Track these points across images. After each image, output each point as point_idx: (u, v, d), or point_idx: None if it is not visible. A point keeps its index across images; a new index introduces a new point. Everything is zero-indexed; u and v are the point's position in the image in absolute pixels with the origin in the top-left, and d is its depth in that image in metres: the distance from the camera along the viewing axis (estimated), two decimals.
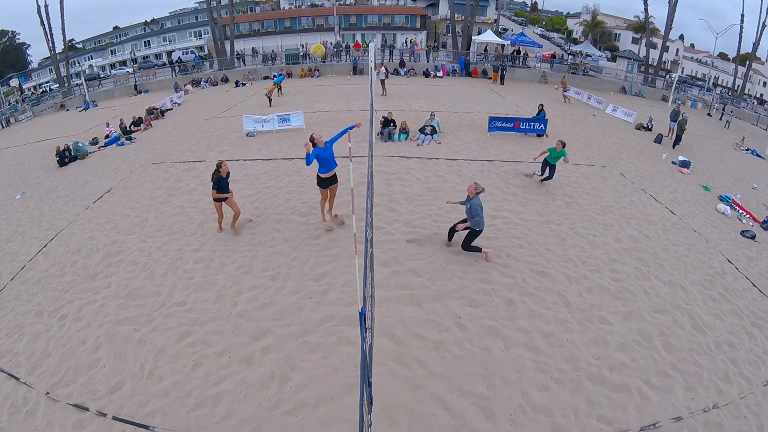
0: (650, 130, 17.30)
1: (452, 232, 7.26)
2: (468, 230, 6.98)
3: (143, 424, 4.57)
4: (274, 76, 24.95)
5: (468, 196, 6.82)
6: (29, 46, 49.21)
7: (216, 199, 7.83)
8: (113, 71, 41.73)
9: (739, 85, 33.02)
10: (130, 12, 75.76)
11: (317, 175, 7.42)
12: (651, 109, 22.25)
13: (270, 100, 19.93)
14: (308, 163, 6.94)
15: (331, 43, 36.08)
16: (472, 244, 7.02)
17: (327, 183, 7.43)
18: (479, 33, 33.53)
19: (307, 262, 7.10)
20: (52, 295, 7.03)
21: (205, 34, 44.29)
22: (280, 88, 22.03)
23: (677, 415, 4.77)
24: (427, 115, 14.75)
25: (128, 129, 17.22)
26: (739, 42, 32.48)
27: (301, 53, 33.15)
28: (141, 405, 4.78)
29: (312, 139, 7.08)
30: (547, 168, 10.20)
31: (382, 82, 21.33)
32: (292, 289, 6.49)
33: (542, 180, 10.40)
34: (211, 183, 7.69)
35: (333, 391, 4.78)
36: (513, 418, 4.55)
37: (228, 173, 7.74)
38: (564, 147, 9.84)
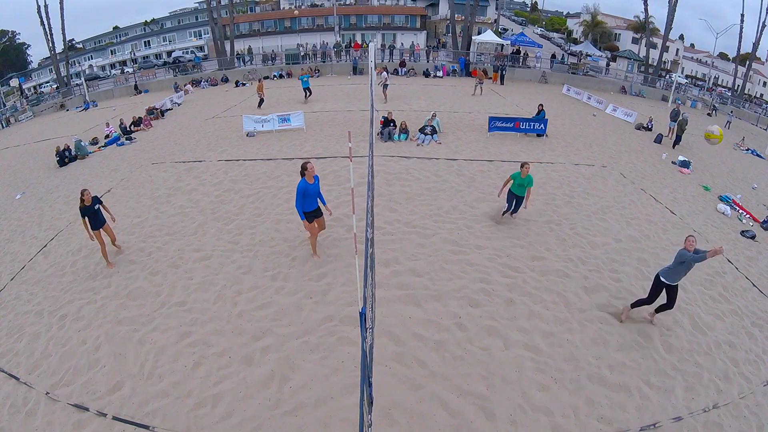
0: (650, 130, 17.29)
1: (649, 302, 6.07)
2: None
3: (143, 424, 4.57)
4: (274, 77, 24.81)
5: (687, 250, 5.58)
6: (29, 46, 49.12)
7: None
8: (113, 71, 41.66)
9: (739, 86, 33.00)
10: (130, 12, 75.54)
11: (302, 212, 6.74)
12: (651, 109, 22.26)
13: (261, 100, 19.37)
14: (297, 204, 6.50)
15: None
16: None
17: (312, 216, 6.81)
18: (479, 33, 33.53)
19: (307, 262, 7.10)
20: (52, 295, 7.03)
21: (205, 34, 44.26)
22: (310, 92, 20.56)
23: (677, 415, 4.77)
24: (428, 115, 14.76)
25: (128, 129, 17.22)
26: (739, 42, 32.51)
27: (301, 53, 33.14)
28: (141, 405, 4.78)
29: (304, 169, 6.49)
30: (514, 201, 8.21)
31: (385, 87, 19.84)
32: (292, 289, 6.50)
33: (512, 214, 8.49)
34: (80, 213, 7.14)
35: (333, 391, 4.78)
36: (513, 418, 4.55)
37: (95, 199, 7.28)
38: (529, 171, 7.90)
